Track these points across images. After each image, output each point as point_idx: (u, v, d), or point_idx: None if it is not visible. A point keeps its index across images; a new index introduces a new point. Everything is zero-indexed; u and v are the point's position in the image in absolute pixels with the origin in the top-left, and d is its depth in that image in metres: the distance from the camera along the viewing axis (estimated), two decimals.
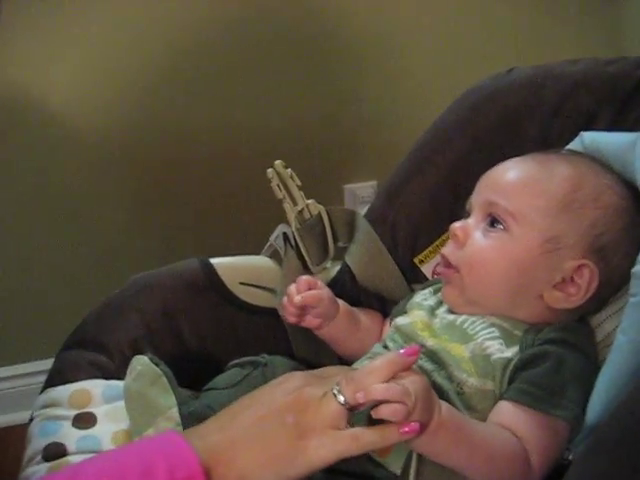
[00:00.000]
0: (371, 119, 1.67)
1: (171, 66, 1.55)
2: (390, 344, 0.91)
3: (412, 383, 0.71)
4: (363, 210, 1.10)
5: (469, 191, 0.92)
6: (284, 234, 1.08)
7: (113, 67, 1.53)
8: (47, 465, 0.87)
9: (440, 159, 1.05)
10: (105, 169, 1.59)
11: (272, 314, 1.04)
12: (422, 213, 1.05)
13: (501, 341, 0.84)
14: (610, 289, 0.88)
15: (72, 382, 0.95)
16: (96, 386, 0.95)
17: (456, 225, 0.90)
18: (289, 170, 1.06)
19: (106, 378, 0.96)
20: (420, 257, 1.06)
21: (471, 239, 0.88)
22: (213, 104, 1.59)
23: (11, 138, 1.52)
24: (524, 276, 0.86)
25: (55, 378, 0.97)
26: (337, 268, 1.09)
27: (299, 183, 1.06)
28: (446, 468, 0.76)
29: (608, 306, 0.89)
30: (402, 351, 0.74)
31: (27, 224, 1.58)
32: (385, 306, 1.05)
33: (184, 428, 0.84)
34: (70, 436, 0.90)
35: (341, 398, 0.72)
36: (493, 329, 0.85)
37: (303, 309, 0.95)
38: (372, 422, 0.72)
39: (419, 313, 0.92)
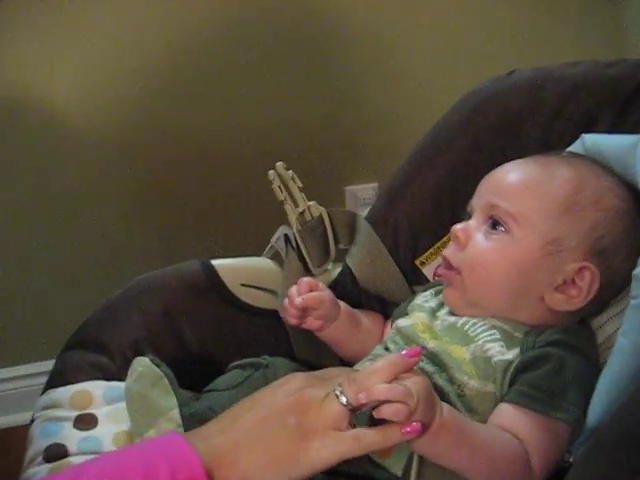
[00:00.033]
0: (372, 120, 1.68)
1: (171, 66, 1.56)
2: (391, 346, 0.92)
3: (414, 384, 0.71)
4: (364, 212, 1.10)
5: (470, 193, 0.93)
6: (285, 236, 1.08)
7: (113, 67, 1.53)
8: (48, 466, 0.87)
9: (441, 161, 1.05)
10: (105, 169, 1.59)
11: (273, 316, 1.04)
12: (423, 215, 1.06)
13: (502, 343, 0.84)
14: (611, 291, 0.88)
15: (73, 383, 0.95)
16: (97, 387, 0.95)
17: (457, 227, 0.90)
18: (290, 172, 1.06)
19: (107, 379, 0.96)
20: (421, 259, 1.06)
21: (472, 241, 0.88)
22: (214, 105, 1.59)
23: (11, 138, 1.53)
24: (525, 278, 0.86)
25: (56, 379, 0.97)
26: (338, 270, 1.09)
27: (300, 185, 1.06)
28: (447, 470, 0.76)
29: (609, 308, 0.89)
30: (404, 352, 0.74)
31: (28, 225, 1.58)
32: (386, 308, 1.05)
33: (185, 429, 0.84)
34: (71, 437, 0.90)
35: (343, 399, 0.72)
36: (494, 331, 0.85)
37: (304, 311, 0.95)
38: (373, 423, 0.72)
39: (420, 315, 0.92)
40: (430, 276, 1.05)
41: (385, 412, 0.70)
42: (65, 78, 1.51)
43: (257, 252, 1.11)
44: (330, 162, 1.68)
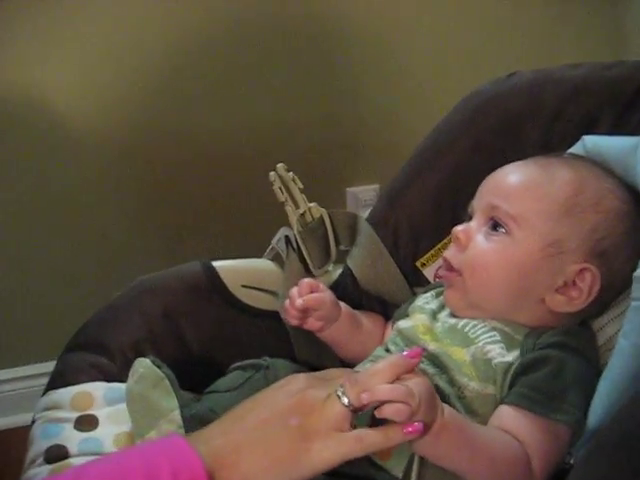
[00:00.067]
0: (373, 121, 1.68)
1: (171, 67, 1.55)
2: (392, 347, 0.92)
3: (416, 385, 0.71)
4: (365, 213, 1.10)
5: (471, 194, 0.93)
6: (286, 237, 1.08)
7: (113, 68, 1.53)
8: (49, 467, 0.87)
9: (442, 162, 1.05)
10: (105, 169, 1.59)
11: (274, 317, 1.04)
12: (424, 216, 1.06)
13: (502, 345, 0.84)
14: (612, 293, 0.88)
15: (74, 384, 0.95)
16: (98, 389, 0.95)
17: (458, 228, 0.90)
18: (291, 173, 1.06)
19: (108, 381, 0.96)
20: (422, 260, 1.06)
21: (473, 242, 0.89)
22: (214, 105, 1.59)
23: (11, 138, 1.52)
24: (526, 279, 0.86)
25: (57, 380, 0.97)
26: (339, 271, 1.09)
27: (301, 186, 1.06)
28: (448, 471, 0.76)
29: (610, 310, 0.89)
30: (405, 353, 0.74)
31: (28, 225, 1.58)
32: (387, 309, 1.05)
33: (186, 431, 0.84)
34: (72, 438, 0.90)
35: (345, 400, 0.72)
36: (494, 333, 0.85)
37: (305, 312, 0.95)
38: (374, 424, 0.73)
39: (421, 317, 0.92)
40: (431, 277, 1.05)
41: (387, 411, 0.70)
42: (65, 78, 1.50)
43: (258, 253, 1.11)
44: (331, 163, 1.68)
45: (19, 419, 1.55)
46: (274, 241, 1.09)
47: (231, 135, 1.61)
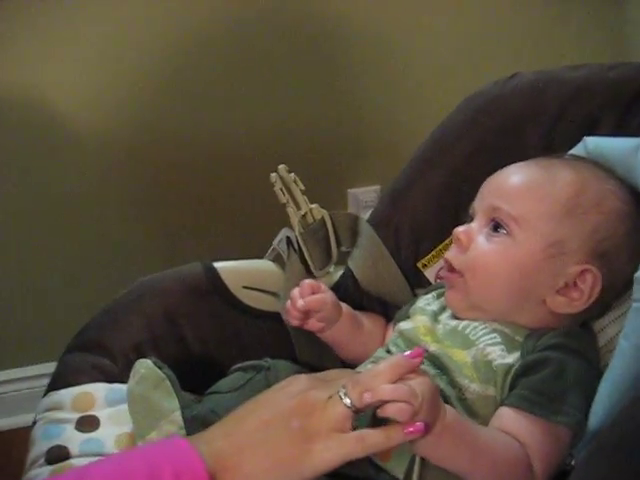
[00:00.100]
0: (374, 123, 1.67)
1: (172, 67, 1.55)
2: (393, 348, 0.92)
3: (419, 385, 0.71)
4: (366, 215, 1.10)
5: (472, 195, 0.93)
6: (287, 238, 1.08)
7: (113, 68, 1.52)
8: (50, 468, 0.87)
9: (443, 163, 1.05)
10: (107, 171, 1.59)
11: (275, 318, 1.04)
12: (425, 217, 1.06)
13: (502, 347, 0.84)
14: (613, 294, 0.88)
15: (75, 385, 0.96)
16: (99, 389, 0.95)
17: (459, 229, 0.90)
18: (292, 174, 1.06)
19: (109, 381, 0.97)
20: (423, 261, 1.06)
21: (474, 243, 0.89)
22: (214, 107, 1.59)
23: (12, 139, 1.52)
24: (527, 280, 0.86)
25: (58, 381, 0.97)
26: (340, 272, 1.09)
27: (302, 187, 1.06)
28: (449, 473, 0.76)
29: (611, 311, 0.89)
30: (407, 353, 0.74)
31: (29, 226, 1.58)
32: (387, 310, 1.05)
33: (187, 432, 0.84)
34: (73, 439, 0.90)
35: (347, 401, 0.72)
36: (495, 335, 0.85)
37: (306, 313, 0.95)
38: (375, 426, 0.73)
39: (422, 318, 0.92)
40: (432, 279, 1.05)
41: (389, 410, 0.70)
42: (65, 78, 1.50)
43: (259, 254, 1.11)
44: (332, 164, 1.67)
45: (20, 420, 1.55)
46: (275, 242, 1.09)
47: (232, 136, 1.61)
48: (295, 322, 0.96)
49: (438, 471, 0.76)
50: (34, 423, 0.95)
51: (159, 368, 0.89)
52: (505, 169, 0.92)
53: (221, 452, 0.71)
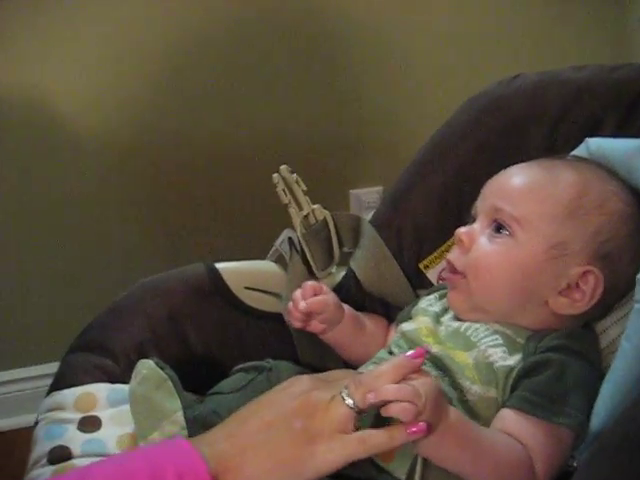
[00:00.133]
0: (377, 123, 1.67)
1: (173, 68, 1.55)
2: (395, 350, 0.92)
3: (422, 385, 0.71)
4: (368, 215, 1.10)
5: (474, 196, 0.93)
6: (289, 239, 1.08)
7: (113, 69, 1.52)
8: (52, 468, 0.87)
9: (446, 164, 1.05)
10: (107, 171, 1.59)
11: (277, 319, 1.04)
12: (428, 218, 1.06)
13: (504, 349, 0.84)
14: (615, 295, 0.88)
15: (78, 385, 0.95)
16: (101, 390, 0.95)
17: (461, 230, 0.90)
18: (294, 175, 1.06)
19: (111, 382, 0.97)
20: (425, 262, 1.06)
21: (476, 244, 0.88)
22: (216, 108, 1.59)
23: (12, 140, 1.52)
24: (529, 282, 0.86)
25: (61, 381, 0.97)
26: (342, 273, 1.09)
27: (305, 188, 1.06)
28: (451, 474, 0.76)
29: (613, 312, 0.89)
30: (409, 353, 0.74)
31: (31, 228, 1.58)
32: (389, 311, 1.05)
33: (189, 432, 0.84)
34: (75, 439, 0.90)
35: (349, 401, 0.72)
36: (496, 336, 0.85)
37: (308, 315, 0.95)
38: (377, 427, 0.73)
39: (424, 319, 0.92)
40: (434, 280, 1.05)
41: (393, 410, 0.70)
42: (65, 80, 1.50)
43: (261, 255, 1.11)
44: (334, 165, 1.67)
45: (22, 420, 1.55)
46: (277, 243, 1.09)
47: (234, 137, 1.61)
48: (297, 324, 0.96)
49: (440, 472, 0.76)
50: (36, 423, 0.94)
51: (161, 368, 0.89)
52: (507, 170, 0.92)
53: (223, 454, 0.71)
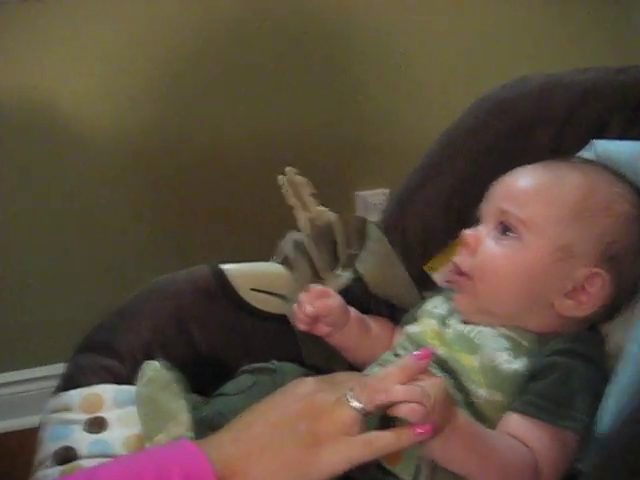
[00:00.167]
0: (382, 124, 1.67)
1: (174, 69, 1.55)
2: (401, 352, 0.91)
3: (431, 386, 0.71)
4: (375, 217, 1.10)
5: (480, 198, 0.93)
6: (295, 241, 1.08)
7: (115, 70, 1.52)
8: (58, 469, 0.87)
9: (452, 166, 1.05)
10: (108, 172, 1.58)
11: (283, 320, 1.04)
12: (434, 220, 1.06)
13: (510, 352, 0.84)
14: (621, 298, 0.88)
15: (84, 386, 0.95)
16: (108, 391, 0.95)
17: (467, 232, 0.90)
18: (301, 177, 1.06)
19: (118, 383, 0.96)
20: (431, 264, 1.06)
21: (482, 246, 0.88)
22: (219, 109, 1.59)
23: (16, 142, 1.52)
24: (535, 284, 0.86)
25: (67, 382, 0.97)
26: (348, 275, 1.08)
27: (314, 191, 1.06)
28: (457, 476, 0.76)
29: (619, 314, 0.89)
30: (415, 354, 0.74)
31: (32, 229, 1.58)
32: (395, 313, 1.05)
33: (195, 433, 0.84)
34: (81, 440, 0.90)
35: (355, 403, 0.72)
36: (502, 340, 0.85)
37: (314, 318, 0.95)
38: (382, 429, 0.73)
39: (430, 322, 0.92)
40: (440, 282, 1.05)
41: (402, 410, 0.70)
42: (66, 80, 1.50)
43: (266, 257, 1.11)
44: (340, 167, 1.67)
45: (28, 421, 1.55)
46: (283, 244, 1.09)
47: (239, 138, 1.60)
48: (303, 327, 0.96)
49: (447, 475, 0.76)
50: (42, 424, 0.94)
51: (167, 370, 0.89)
52: (513, 172, 0.92)
53: (229, 457, 0.71)
